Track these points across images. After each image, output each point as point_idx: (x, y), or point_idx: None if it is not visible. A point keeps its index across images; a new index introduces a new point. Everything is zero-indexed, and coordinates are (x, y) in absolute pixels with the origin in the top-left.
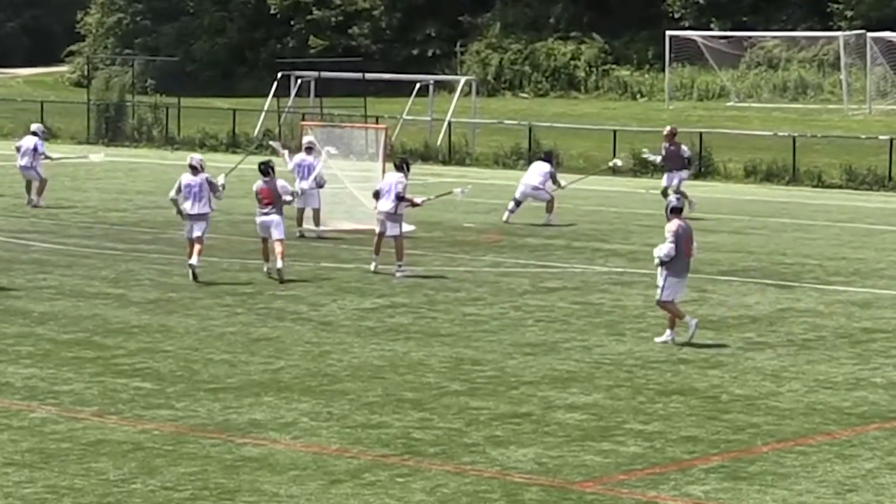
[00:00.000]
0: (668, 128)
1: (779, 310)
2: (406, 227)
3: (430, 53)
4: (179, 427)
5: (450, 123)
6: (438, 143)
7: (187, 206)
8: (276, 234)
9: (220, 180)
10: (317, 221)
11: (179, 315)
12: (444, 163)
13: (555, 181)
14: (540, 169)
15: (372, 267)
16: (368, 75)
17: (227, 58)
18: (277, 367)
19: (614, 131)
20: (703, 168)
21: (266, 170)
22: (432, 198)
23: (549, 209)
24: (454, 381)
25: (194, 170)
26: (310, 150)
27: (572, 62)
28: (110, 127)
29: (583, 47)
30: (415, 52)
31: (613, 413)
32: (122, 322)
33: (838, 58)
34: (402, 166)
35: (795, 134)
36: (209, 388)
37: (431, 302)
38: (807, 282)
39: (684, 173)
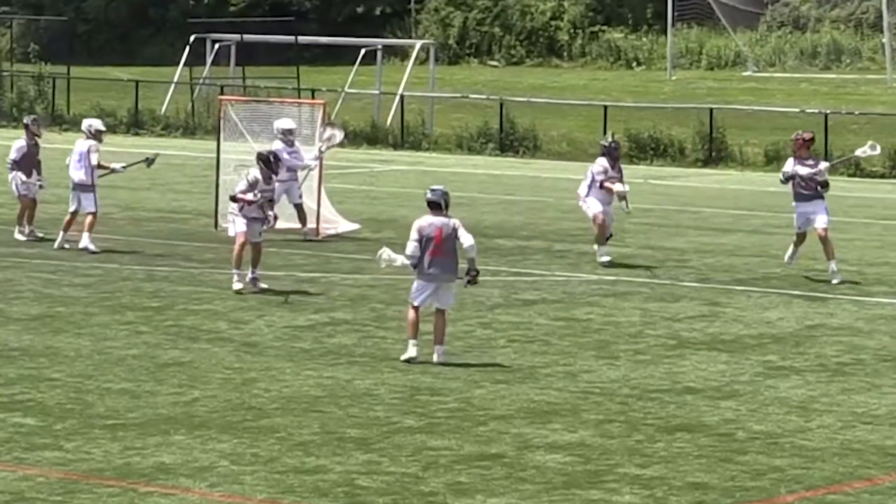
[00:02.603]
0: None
1: (807, 327)
2: (349, 226)
3: (378, 12)
4: (69, 473)
5: (402, 98)
6: (388, 122)
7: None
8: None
9: (117, 167)
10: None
11: (69, 335)
12: (395, 146)
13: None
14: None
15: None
16: (302, 39)
17: (126, 17)
18: (191, 399)
19: (605, 107)
20: (714, 153)
21: (27, 129)
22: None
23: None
24: (408, 416)
25: (87, 136)
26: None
27: (553, 22)
28: None
29: (566, 4)
30: (359, 9)
31: (604, 454)
32: None
33: (880, 16)
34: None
35: (827, 111)
36: (106, 424)
37: (380, 318)
38: (842, 293)
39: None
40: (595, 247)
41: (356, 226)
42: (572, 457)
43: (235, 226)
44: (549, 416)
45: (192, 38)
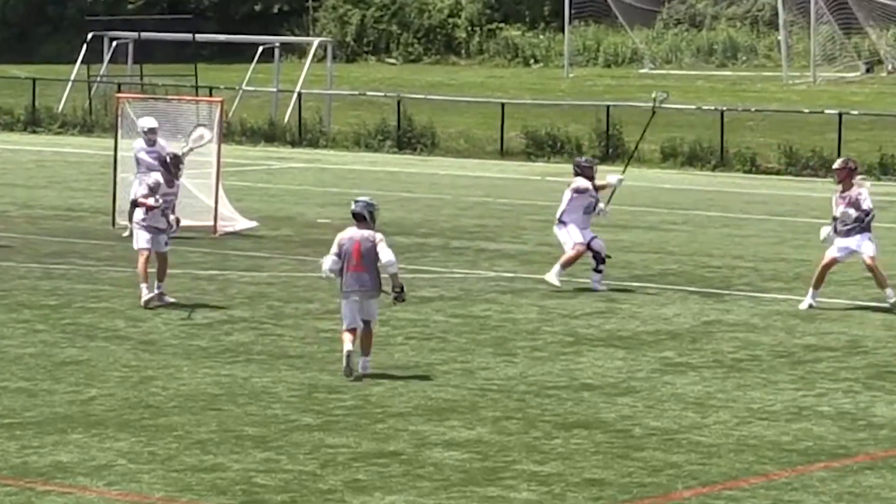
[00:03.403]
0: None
1: (704, 323)
2: (246, 224)
3: (275, 10)
4: None
5: (300, 95)
6: (286, 119)
7: None
8: None
9: None
10: None
11: None
12: (294, 144)
13: (596, 191)
14: (565, 193)
15: None
16: (199, 36)
17: (24, 15)
18: (88, 397)
19: (503, 104)
20: (611, 150)
21: None
22: None
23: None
24: (306, 414)
25: None
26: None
27: (451, 20)
28: None
29: (463, 2)
30: (257, 7)
31: (502, 451)
32: None
33: (776, 14)
34: None
35: (724, 108)
36: (3, 423)
37: (277, 316)
38: (738, 289)
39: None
40: (556, 267)
41: (254, 223)
42: (470, 454)
43: (137, 240)
44: (447, 414)
45: (89, 36)
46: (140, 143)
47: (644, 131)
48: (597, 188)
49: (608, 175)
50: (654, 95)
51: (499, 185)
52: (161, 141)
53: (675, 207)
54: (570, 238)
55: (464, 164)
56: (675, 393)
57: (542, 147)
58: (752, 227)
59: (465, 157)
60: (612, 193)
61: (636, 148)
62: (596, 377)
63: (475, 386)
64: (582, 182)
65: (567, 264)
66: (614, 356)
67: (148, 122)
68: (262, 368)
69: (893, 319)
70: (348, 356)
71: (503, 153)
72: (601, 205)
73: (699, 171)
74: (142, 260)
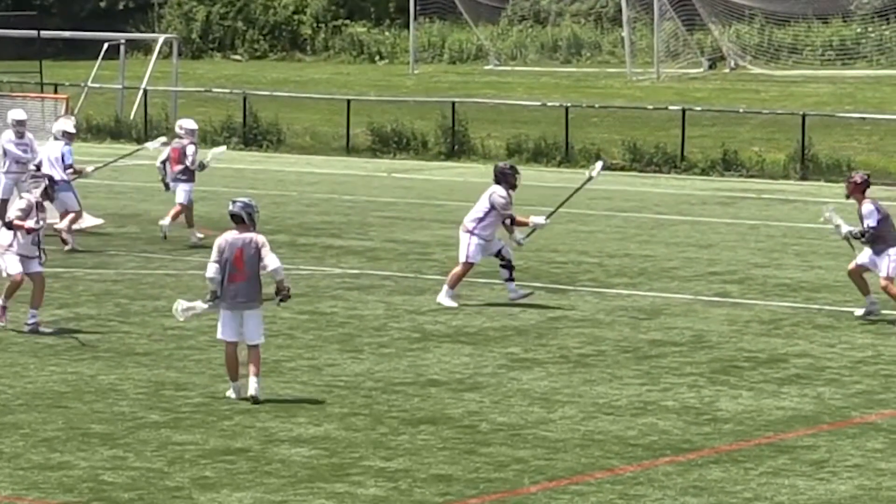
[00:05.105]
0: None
1: (549, 319)
2: (93, 221)
3: (121, 6)
4: None
5: (146, 92)
6: (132, 116)
7: None
8: None
9: None
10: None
11: None
12: (139, 141)
13: (510, 223)
14: (482, 200)
15: None
16: (44, 33)
17: None
18: None
19: (348, 101)
20: (456, 146)
21: None
22: None
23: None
24: (153, 411)
25: None
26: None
27: (296, 16)
28: None
29: None
30: (102, 4)
31: (349, 447)
32: None
33: (620, 11)
34: None
35: (568, 104)
36: None
37: (124, 313)
38: (583, 284)
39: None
40: (444, 288)
41: (100, 221)
42: (317, 450)
43: (7, 265)
44: (294, 410)
45: None
46: (9, 134)
47: (572, 194)
48: (514, 221)
49: (532, 216)
50: (592, 169)
51: (344, 181)
52: (29, 134)
53: (521, 203)
54: (467, 251)
55: (310, 161)
56: (522, 388)
57: (387, 143)
58: (597, 223)
59: (310, 153)
60: (532, 232)
61: (565, 200)
62: (442, 373)
63: (322, 382)
64: (500, 197)
65: (455, 283)
66: (461, 352)
67: (17, 114)
68: (108, 366)
69: (737, 315)
70: (237, 391)
71: (349, 150)
72: (519, 235)
73: (544, 166)
74: (13, 283)
